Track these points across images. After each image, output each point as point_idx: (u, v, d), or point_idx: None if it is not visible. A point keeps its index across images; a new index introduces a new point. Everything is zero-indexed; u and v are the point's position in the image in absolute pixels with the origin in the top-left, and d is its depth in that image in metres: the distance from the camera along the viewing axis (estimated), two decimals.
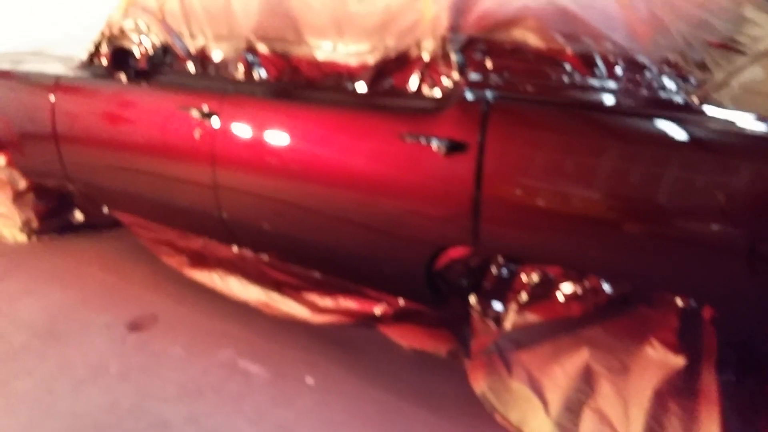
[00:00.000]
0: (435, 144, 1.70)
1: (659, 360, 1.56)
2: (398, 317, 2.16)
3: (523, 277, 1.74)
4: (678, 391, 1.55)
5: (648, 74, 1.48)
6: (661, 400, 1.58)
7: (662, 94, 1.45)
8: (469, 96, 1.68)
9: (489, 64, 1.68)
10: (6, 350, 2.56)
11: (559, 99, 1.57)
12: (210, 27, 2.40)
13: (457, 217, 1.72)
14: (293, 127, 2.08)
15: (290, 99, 2.12)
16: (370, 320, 2.24)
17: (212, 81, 2.36)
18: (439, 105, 1.77)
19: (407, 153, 1.78)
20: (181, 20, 2.49)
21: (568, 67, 1.57)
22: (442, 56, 1.78)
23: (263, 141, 2.14)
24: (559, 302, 1.68)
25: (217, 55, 2.40)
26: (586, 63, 1.54)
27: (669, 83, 1.47)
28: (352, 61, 2.00)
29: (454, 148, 1.67)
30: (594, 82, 1.54)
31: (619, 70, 1.51)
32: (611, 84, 1.51)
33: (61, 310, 2.86)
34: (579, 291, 1.65)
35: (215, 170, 2.29)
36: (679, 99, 1.44)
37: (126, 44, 2.66)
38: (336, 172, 1.95)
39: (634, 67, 1.50)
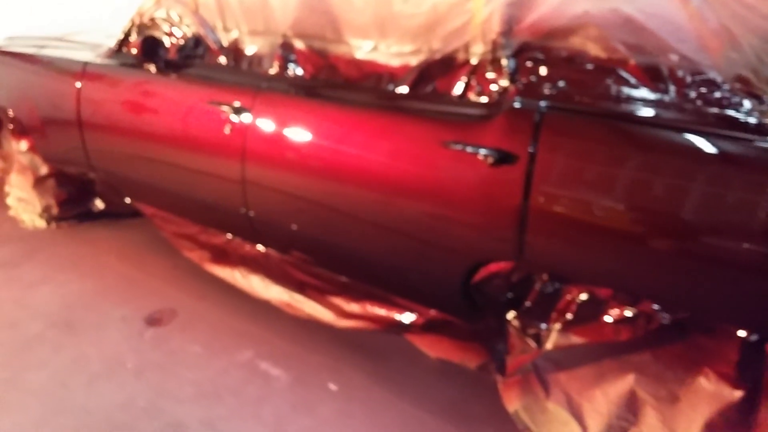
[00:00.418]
0: (482, 153, 1.62)
1: (713, 392, 1.48)
2: (428, 327, 2.08)
3: (569, 297, 1.65)
4: (732, 426, 1.47)
5: (718, 91, 1.40)
6: None
7: (733, 113, 1.37)
8: (521, 105, 1.60)
9: (543, 71, 1.60)
10: (20, 340, 2.50)
11: (618, 112, 1.48)
12: (245, 21, 2.33)
13: (501, 231, 1.65)
14: (329, 127, 2.00)
15: (327, 98, 2.05)
16: (397, 328, 2.17)
17: (245, 76, 2.29)
18: (487, 112, 1.69)
19: (450, 161, 1.70)
20: (216, 12, 2.42)
21: (630, 79, 1.48)
22: (491, 61, 1.70)
23: (296, 140, 2.07)
24: (607, 325, 1.59)
25: (250, 50, 2.33)
26: (651, 76, 1.46)
27: (741, 102, 1.38)
28: (394, 62, 1.93)
29: (503, 158, 1.59)
30: (658, 96, 1.45)
31: (686, 86, 1.42)
32: (677, 99, 1.43)
33: (78, 299, 2.80)
34: (630, 315, 1.56)
35: (244, 167, 2.22)
36: (752, 120, 1.35)
37: (156, 34, 2.59)
38: (373, 177, 1.88)
39: (703, 82, 1.41)
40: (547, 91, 1.59)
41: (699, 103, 1.41)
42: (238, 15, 2.35)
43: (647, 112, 1.45)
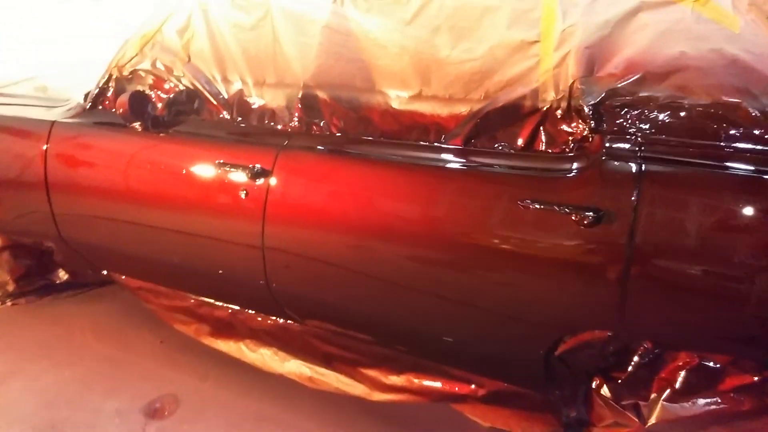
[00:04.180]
0: (575, 212, 1.45)
1: None
2: (489, 399, 1.88)
3: (676, 364, 1.50)
4: None
5: None
6: None
7: None
8: (616, 156, 1.44)
9: (635, 119, 1.45)
10: None
11: (729, 164, 1.34)
12: (251, 71, 2.09)
13: (598, 299, 1.47)
14: (372, 188, 1.79)
15: (363, 155, 1.83)
16: (449, 399, 1.96)
17: (258, 133, 2.04)
18: (569, 166, 1.52)
19: (530, 222, 1.52)
20: (212, 62, 2.17)
21: (741, 125, 1.35)
22: (568, 109, 1.53)
23: (333, 204, 1.84)
24: (725, 395, 1.44)
25: (259, 103, 2.09)
26: (766, 122, 1.33)
27: None
28: (442, 112, 1.74)
29: (600, 217, 1.42)
30: None
31: None
32: None
33: (58, 394, 2.44)
34: (752, 381, 1.41)
35: (265, 235, 1.96)
36: None
37: (140, 88, 2.31)
38: (431, 243, 1.68)
39: None
40: (641, 140, 1.44)
41: None
42: (241, 65, 2.11)
43: (764, 161, 1.32)
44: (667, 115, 1.43)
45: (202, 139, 2.15)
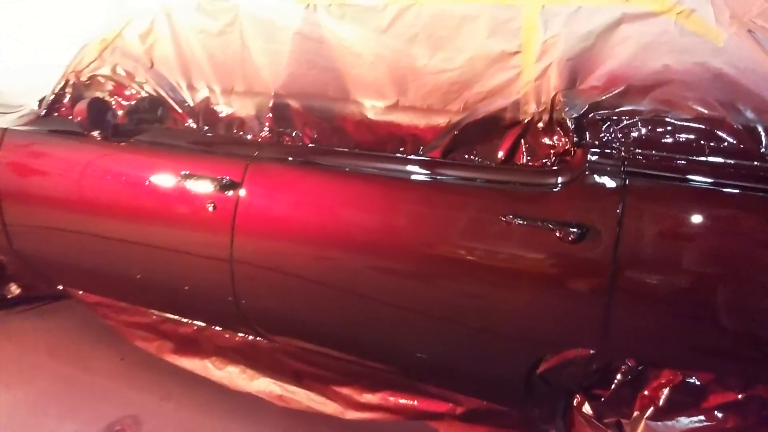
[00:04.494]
0: (559, 228, 1.41)
1: None
2: (467, 417, 1.83)
3: (659, 381, 1.47)
4: None
5: None
6: None
7: None
8: (600, 173, 1.41)
9: (619, 133, 1.42)
10: None
11: (713, 179, 1.32)
12: (218, 78, 2.01)
13: (582, 316, 1.45)
14: (347, 201, 1.73)
15: (338, 166, 1.76)
16: (426, 417, 1.91)
17: (226, 143, 1.96)
18: (552, 180, 1.49)
19: (511, 238, 1.48)
20: (177, 69, 2.08)
21: (726, 140, 1.33)
22: (552, 123, 1.50)
23: (305, 217, 1.77)
24: (709, 412, 1.42)
25: (227, 112, 2.01)
26: (751, 137, 1.32)
27: None
28: (419, 123, 1.68)
29: (584, 233, 1.39)
30: (761, 159, 1.31)
31: None
32: None
33: (12, 417, 2.30)
34: (736, 399, 1.39)
35: (234, 250, 1.88)
36: None
37: (99, 94, 2.20)
38: (408, 258, 1.62)
39: None
40: (625, 155, 1.41)
41: None
42: (208, 71, 2.02)
43: (746, 175, 1.31)
44: (650, 130, 1.41)
45: (167, 149, 2.05)
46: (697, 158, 1.37)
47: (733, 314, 1.33)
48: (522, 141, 1.57)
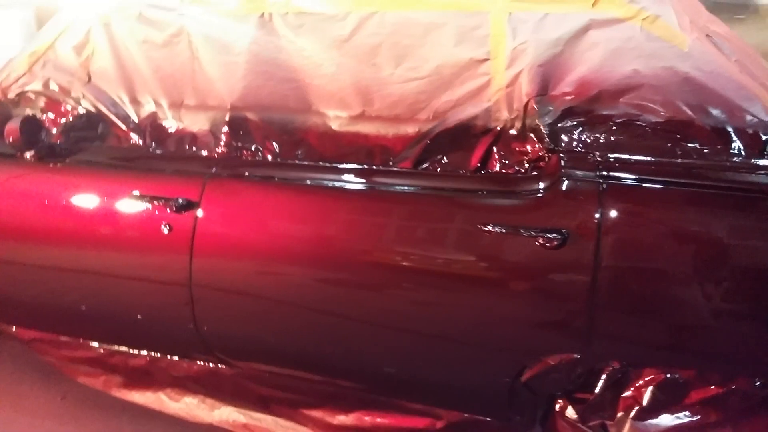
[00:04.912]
0: (539, 237, 1.40)
1: None
2: (447, 430, 1.80)
3: (642, 381, 1.49)
4: None
5: None
6: None
7: None
8: (576, 178, 1.42)
9: (592, 138, 1.44)
10: None
11: (687, 180, 1.36)
12: (165, 92, 1.90)
13: (565, 322, 1.45)
14: (315, 216, 1.66)
15: (304, 181, 1.70)
16: None
17: (180, 160, 1.85)
18: (528, 187, 1.48)
19: (492, 247, 1.46)
20: (118, 82, 1.95)
21: (696, 141, 1.37)
22: (525, 130, 1.50)
23: (269, 236, 1.70)
24: (693, 407, 1.45)
25: (174, 126, 1.90)
26: (720, 137, 1.36)
27: None
28: (387, 133, 1.65)
29: (566, 239, 1.39)
30: (729, 158, 1.35)
31: (761, 146, 1.34)
32: (751, 161, 1.34)
33: None
34: (718, 393, 1.43)
35: (193, 274, 1.77)
36: None
37: (29, 112, 2.03)
38: (385, 273, 1.58)
39: None
40: (599, 159, 1.42)
41: None
42: (153, 85, 1.91)
43: (721, 175, 1.35)
44: (623, 133, 1.43)
45: (112, 169, 1.92)
46: (669, 160, 1.40)
47: (713, 311, 1.36)
48: (494, 148, 1.56)
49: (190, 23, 1.84)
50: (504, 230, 1.45)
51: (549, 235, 1.40)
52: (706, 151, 1.38)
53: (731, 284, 1.35)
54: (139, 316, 1.93)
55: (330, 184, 1.69)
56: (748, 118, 1.37)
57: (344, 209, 1.67)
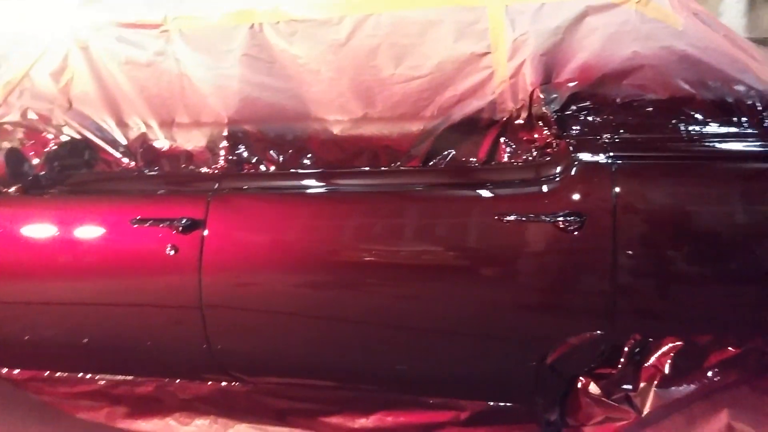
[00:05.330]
0: (559, 221, 1.44)
1: None
2: (472, 421, 1.82)
3: (662, 350, 1.55)
4: None
5: None
6: None
7: None
8: (588, 162, 1.46)
9: (599, 121, 1.48)
10: None
11: (694, 151, 1.42)
12: (152, 112, 1.86)
13: (589, 301, 1.48)
14: (329, 223, 1.66)
15: (313, 188, 1.69)
16: (428, 430, 1.88)
17: (179, 180, 1.82)
18: (539, 174, 1.52)
19: (512, 236, 1.49)
20: (101, 106, 1.90)
21: (699, 115, 1.43)
22: (531, 118, 1.54)
23: (282, 248, 1.68)
24: (712, 371, 1.51)
25: (166, 145, 1.86)
26: (722, 109, 1.42)
27: None
28: (392, 133, 1.66)
29: (584, 221, 1.43)
30: (734, 128, 1.42)
31: (760, 113, 1.42)
32: (755, 128, 1.41)
33: None
34: (734, 354, 1.50)
35: (204, 294, 1.74)
36: None
37: (7, 144, 1.96)
38: (409, 274, 1.59)
39: None
40: (607, 140, 1.47)
41: None
42: (141, 106, 1.87)
43: (726, 146, 1.41)
44: (629, 114, 1.48)
45: (105, 195, 1.86)
46: (675, 136, 1.46)
47: (725, 276, 1.43)
48: (502, 139, 1.59)
49: (175, 40, 1.80)
50: (523, 218, 1.48)
51: (569, 219, 1.44)
52: (709, 124, 1.45)
53: (742, 250, 1.41)
54: (148, 343, 1.88)
55: (337, 189, 1.69)
56: (744, 88, 1.44)
57: (353, 213, 1.67)
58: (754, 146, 1.44)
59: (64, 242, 1.83)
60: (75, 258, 1.82)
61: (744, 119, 1.45)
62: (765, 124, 1.43)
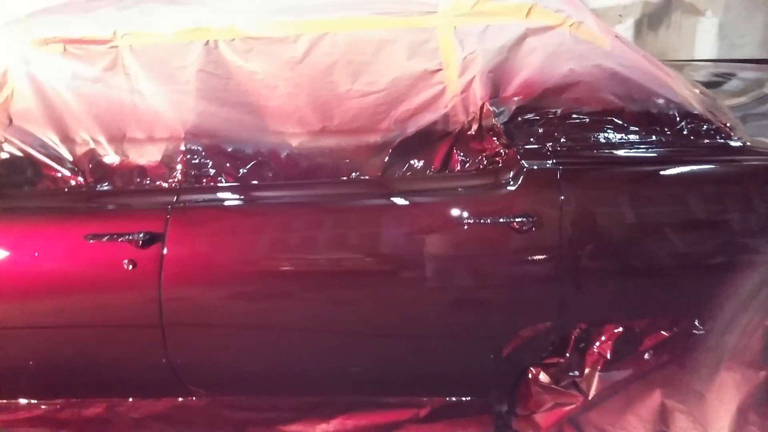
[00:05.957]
0: (515, 223, 1.58)
1: (739, 380, 1.69)
2: (431, 417, 1.92)
3: (603, 337, 1.71)
4: (757, 403, 1.70)
5: (704, 124, 1.62)
6: (742, 416, 1.71)
7: (722, 141, 1.61)
8: (536, 168, 1.61)
9: (542, 131, 1.64)
10: None
11: (625, 157, 1.61)
12: (101, 127, 1.84)
13: (542, 296, 1.63)
14: (290, 235, 1.72)
15: (273, 200, 1.75)
16: (389, 429, 1.96)
17: (134, 194, 1.81)
18: (492, 181, 1.65)
19: (474, 239, 1.62)
20: (45, 123, 1.86)
21: (628, 125, 1.62)
22: (482, 130, 1.68)
23: (244, 260, 1.72)
24: (648, 353, 1.69)
25: (116, 161, 1.85)
26: (646, 120, 1.62)
27: (719, 131, 1.63)
28: (349, 145, 1.75)
29: (535, 222, 1.58)
30: (656, 136, 1.62)
31: (677, 123, 1.62)
32: (672, 137, 1.61)
33: None
34: (667, 336, 1.68)
35: (163, 310, 1.74)
36: (736, 143, 1.61)
37: None
38: (368, 280, 1.69)
39: (693, 118, 1.62)
40: (551, 148, 1.63)
41: (692, 137, 1.61)
42: (88, 121, 1.84)
43: (652, 152, 1.61)
44: (568, 124, 1.65)
45: (52, 213, 1.82)
46: (609, 143, 1.64)
47: (661, 266, 1.61)
48: (455, 149, 1.71)
49: (126, 55, 1.80)
50: (483, 222, 1.60)
51: (523, 220, 1.58)
52: (636, 132, 1.64)
53: (670, 243, 1.60)
54: (103, 361, 1.85)
55: (297, 201, 1.75)
56: (664, 101, 1.64)
57: (312, 225, 1.74)
58: (674, 151, 1.64)
59: (9, 262, 1.77)
60: (23, 278, 1.76)
61: (666, 128, 1.64)
62: (683, 133, 1.64)
